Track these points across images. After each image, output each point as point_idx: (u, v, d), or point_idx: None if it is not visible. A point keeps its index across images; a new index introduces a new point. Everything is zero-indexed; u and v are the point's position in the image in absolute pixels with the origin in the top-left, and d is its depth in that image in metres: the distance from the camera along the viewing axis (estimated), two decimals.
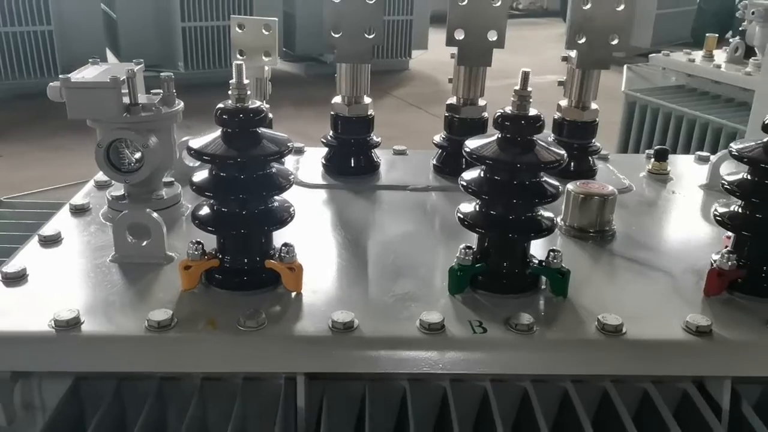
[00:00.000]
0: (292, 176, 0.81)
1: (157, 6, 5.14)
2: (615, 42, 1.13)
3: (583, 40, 1.14)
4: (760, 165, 0.80)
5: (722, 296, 0.82)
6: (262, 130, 0.79)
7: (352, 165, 1.21)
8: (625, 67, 3.11)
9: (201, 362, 0.74)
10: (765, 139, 0.81)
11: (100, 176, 1.11)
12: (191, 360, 0.74)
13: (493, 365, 0.74)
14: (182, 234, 0.97)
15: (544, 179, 0.79)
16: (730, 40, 2.78)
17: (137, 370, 0.75)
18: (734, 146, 0.82)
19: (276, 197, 0.81)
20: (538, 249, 0.85)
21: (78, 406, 0.76)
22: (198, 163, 0.87)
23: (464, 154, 0.80)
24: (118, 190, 1.03)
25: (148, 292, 0.81)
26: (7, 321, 0.74)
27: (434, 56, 5.72)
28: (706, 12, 6.87)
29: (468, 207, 0.83)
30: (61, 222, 0.99)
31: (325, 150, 1.24)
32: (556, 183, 0.80)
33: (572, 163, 1.20)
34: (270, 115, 1.20)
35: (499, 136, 0.79)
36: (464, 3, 1.10)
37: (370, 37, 1.12)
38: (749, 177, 0.81)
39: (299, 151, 1.32)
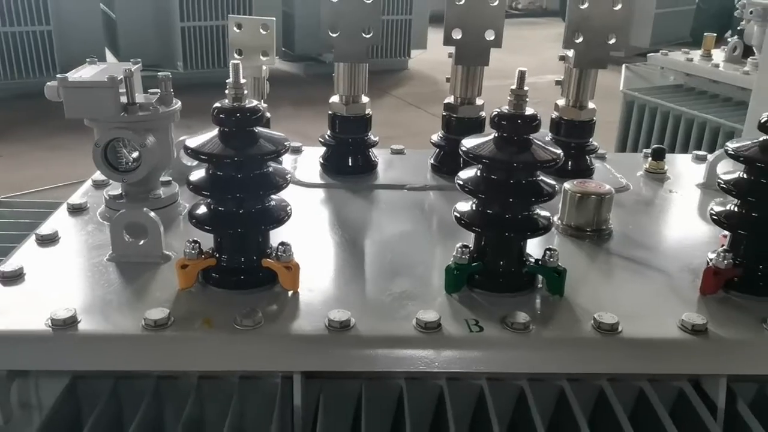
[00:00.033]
0: (289, 175, 0.81)
1: (156, 6, 5.14)
2: (612, 41, 1.13)
3: (580, 40, 1.14)
4: (756, 164, 0.80)
5: (718, 295, 0.82)
6: (259, 129, 0.79)
7: (350, 164, 1.21)
8: (623, 66, 3.11)
9: (197, 361, 0.75)
10: (761, 138, 0.81)
11: (98, 175, 1.12)
12: (188, 359, 0.74)
13: (490, 364, 0.75)
14: (180, 233, 0.97)
15: (540, 178, 0.80)
16: (729, 39, 2.79)
17: (134, 368, 0.75)
18: (730, 145, 0.83)
19: (273, 196, 0.82)
20: (535, 248, 0.85)
21: (75, 404, 0.76)
22: (196, 163, 0.87)
23: (461, 153, 0.80)
24: (115, 189, 1.03)
25: (145, 291, 0.81)
26: (4, 320, 0.75)
27: (433, 56, 5.72)
28: (705, 11, 6.88)
29: (465, 206, 0.83)
30: (59, 221, 0.99)
31: (322, 149, 1.24)
32: (552, 182, 0.80)
33: (570, 162, 1.20)
34: (268, 115, 1.21)
35: (496, 135, 0.79)
36: (461, 2, 1.10)
37: (368, 36, 1.12)
38: (745, 176, 0.82)
39: (297, 151, 1.32)
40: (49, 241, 0.92)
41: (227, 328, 0.73)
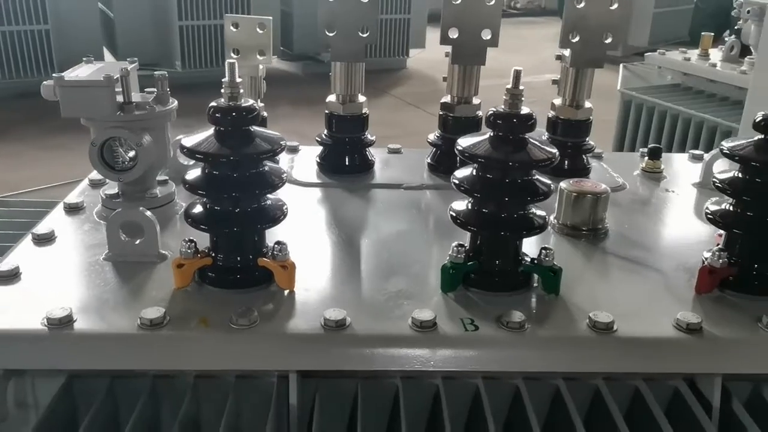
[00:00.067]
0: (285, 174, 0.81)
1: (154, 4, 5.14)
2: (609, 41, 1.13)
3: (576, 39, 1.14)
4: (751, 163, 0.80)
5: (713, 294, 0.83)
6: (255, 128, 0.79)
7: (347, 163, 1.21)
8: (621, 65, 3.12)
9: (193, 360, 0.75)
10: (756, 138, 0.81)
11: (95, 175, 1.12)
12: (184, 358, 0.74)
13: (485, 363, 0.75)
14: (176, 232, 0.97)
15: (536, 177, 0.80)
16: (726, 39, 2.79)
17: (130, 367, 0.75)
18: (725, 144, 0.83)
19: (269, 195, 0.82)
20: (531, 247, 0.85)
21: (71, 403, 0.76)
22: (192, 162, 0.87)
23: (456, 152, 0.80)
24: (112, 188, 1.03)
25: (142, 290, 0.81)
26: (0, 319, 0.74)
27: (432, 55, 5.73)
28: (703, 11, 6.88)
29: (460, 205, 0.83)
30: (55, 220, 0.99)
31: (319, 148, 1.24)
32: (548, 181, 0.80)
33: (566, 162, 1.21)
34: (265, 114, 1.21)
35: (492, 134, 0.80)
36: (458, 2, 1.11)
37: (365, 36, 1.12)
38: (740, 175, 0.82)
39: (294, 150, 1.32)
40: (45, 240, 0.92)
41: (223, 327, 0.74)
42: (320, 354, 0.74)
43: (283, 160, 1.27)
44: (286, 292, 0.81)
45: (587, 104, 1.20)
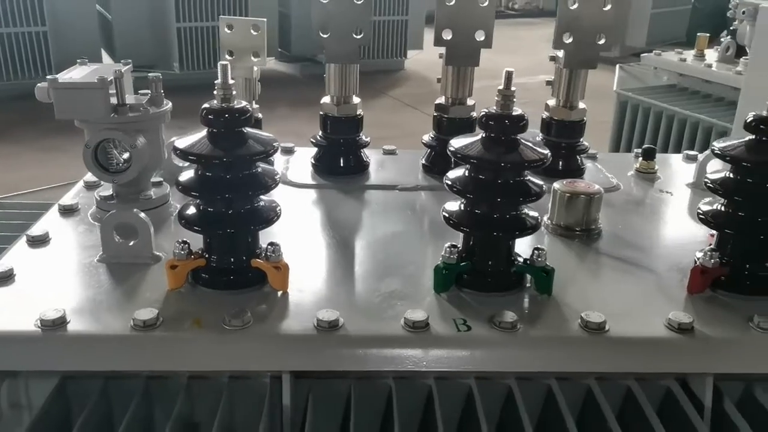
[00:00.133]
0: (278, 176, 0.82)
1: (152, 6, 5.14)
2: (602, 42, 1.14)
3: (570, 40, 1.14)
4: (742, 163, 0.80)
5: (705, 294, 0.83)
6: (248, 130, 0.79)
7: (342, 165, 1.21)
8: (617, 66, 3.12)
9: (186, 361, 0.75)
10: (747, 138, 0.82)
11: (90, 176, 1.12)
12: (177, 359, 0.75)
13: (477, 363, 0.75)
14: (170, 234, 0.97)
15: (528, 178, 0.80)
16: (722, 39, 2.80)
17: (123, 369, 0.76)
18: (717, 145, 0.83)
19: (262, 197, 0.82)
20: (524, 247, 0.85)
21: (64, 404, 0.76)
22: (187, 164, 0.87)
23: (449, 153, 0.81)
24: (106, 190, 1.03)
25: (135, 291, 0.81)
26: None
27: (430, 56, 5.71)
28: (701, 11, 6.90)
29: (453, 206, 0.83)
30: (50, 222, 1.00)
31: (314, 150, 1.24)
32: (540, 182, 0.81)
33: (560, 162, 1.21)
34: (260, 116, 1.21)
35: (484, 135, 0.80)
36: (452, 3, 1.11)
37: (358, 37, 1.12)
38: (731, 175, 0.82)
39: (289, 151, 1.32)
40: (39, 242, 0.92)
41: (216, 328, 0.74)
42: (313, 354, 0.74)
43: (279, 161, 1.27)
44: (280, 293, 0.81)
45: (581, 105, 1.20)
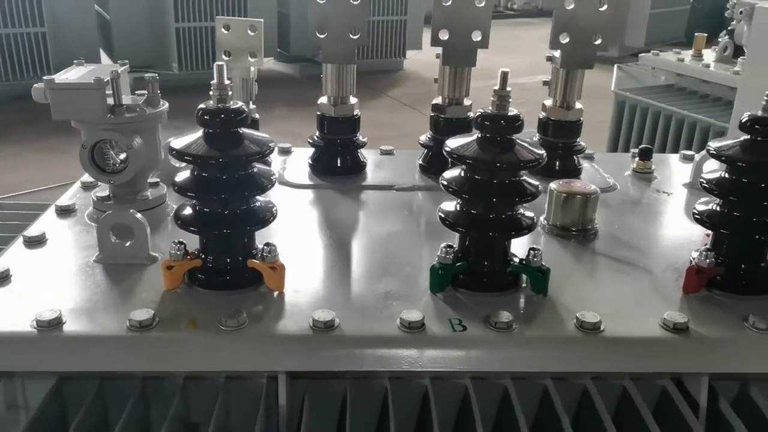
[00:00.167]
0: (274, 176, 0.82)
1: (150, 6, 5.14)
2: (598, 42, 1.14)
3: (566, 40, 1.14)
4: (738, 163, 0.80)
5: (701, 294, 0.83)
6: (244, 130, 0.79)
7: (339, 165, 1.22)
8: (615, 66, 3.12)
9: (182, 361, 0.75)
10: (742, 138, 0.82)
11: (87, 177, 1.12)
12: (173, 359, 0.75)
13: (473, 363, 0.75)
14: (167, 234, 0.97)
15: (523, 178, 0.80)
16: (719, 39, 2.80)
17: (119, 369, 0.76)
18: (712, 145, 0.83)
19: (258, 197, 0.82)
20: (521, 247, 0.86)
21: (61, 405, 0.76)
22: (184, 164, 0.87)
23: (445, 153, 0.81)
24: (103, 190, 1.03)
25: (132, 292, 0.81)
26: None
27: (429, 56, 5.72)
28: (699, 11, 6.90)
29: (449, 206, 0.83)
30: (47, 223, 1.00)
31: (311, 150, 1.24)
32: (535, 182, 0.81)
33: (557, 163, 1.21)
34: (256, 116, 1.21)
35: (479, 135, 0.80)
36: (448, 3, 1.11)
37: (355, 37, 1.12)
38: (727, 175, 0.82)
39: (286, 152, 1.32)
40: (36, 242, 0.93)
41: (212, 328, 0.74)
42: (309, 355, 0.74)
43: (276, 161, 1.27)
44: (276, 293, 0.81)
45: (578, 105, 1.20)
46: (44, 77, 0.92)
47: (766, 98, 0.80)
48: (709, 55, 2.83)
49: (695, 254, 0.83)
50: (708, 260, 0.81)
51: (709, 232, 0.87)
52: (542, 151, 0.79)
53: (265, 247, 0.80)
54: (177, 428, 0.74)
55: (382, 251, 0.94)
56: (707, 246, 0.85)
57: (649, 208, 1.13)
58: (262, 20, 1.16)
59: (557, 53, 1.18)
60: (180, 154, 0.77)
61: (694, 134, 2.52)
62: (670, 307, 0.79)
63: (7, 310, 0.77)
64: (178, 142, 0.78)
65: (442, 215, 0.82)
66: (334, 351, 0.74)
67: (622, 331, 0.75)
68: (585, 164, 1.26)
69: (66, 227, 0.99)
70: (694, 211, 0.86)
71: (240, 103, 0.79)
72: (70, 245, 0.93)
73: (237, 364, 0.75)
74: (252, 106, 1.20)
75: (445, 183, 0.81)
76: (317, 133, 1.21)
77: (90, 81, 0.92)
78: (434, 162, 1.22)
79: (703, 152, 1.19)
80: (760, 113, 0.80)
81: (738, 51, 2.71)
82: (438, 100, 1.21)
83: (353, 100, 1.19)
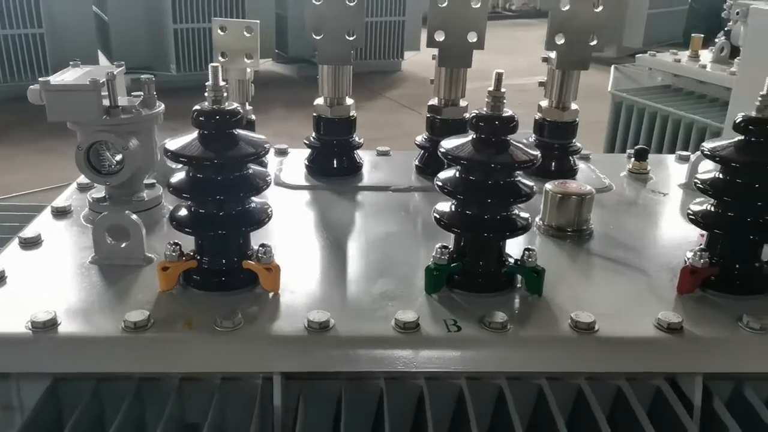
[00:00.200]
0: (269, 177, 0.82)
1: (148, 8, 5.14)
2: (594, 43, 1.14)
3: (562, 41, 1.15)
4: (731, 164, 0.81)
5: (695, 294, 0.83)
6: (239, 131, 0.79)
7: (335, 166, 1.22)
8: (612, 67, 3.13)
9: (178, 362, 0.75)
10: (736, 139, 0.82)
11: (83, 179, 1.12)
12: (168, 360, 0.75)
13: (468, 363, 0.75)
14: (163, 235, 0.97)
15: (518, 179, 0.80)
16: (716, 40, 2.81)
17: (114, 370, 0.76)
18: (706, 145, 0.83)
19: (254, 198, 0.82)
20: (517, 248, 0.86)
21: (56, 406, 0.76)
22: (180, 165, 0.87)
23: (439, 154, 0.81)
24: (99, 192, 1.03)
25: (127, 293, 0.81)
26: None
27: (427, 57, 5.72)
28: (697, 12, 6.91)
29: (444, 207, 0.84)
30: (43, 224, 1.00)
31: (308, 151, 1.24)
32: (530, 183, 0.81)
33: (553, 163, 1.21)
34: (252, 117, 1.21)
35: (474, 136, 0.80)
36: (444, 5, 1.11)
37: (351, 39, 1.13)
38: (721, 176, 0.83)
39: (282, 153, 1.32)
40: (32, 244, 0.93)
41: (207, 329, 0.74)
42: (304, 356, 0.74)
43: (272, 162, 1.27)
44: (271, 294, 0.81)
45: (573, 106, 1.21)
46: (40, 79, 0.92)
47: (760, 99, 0.80)
48: (706, 55, 2.84)
49: (689, 254, 0.83)
50: (702, 260, 0.81)
51: (704, 232, 0.87)
52: (537, 152, 0.80)
53: (261, 248, 0.80)
54: (172, 429, 0.74)
55: (378, 252, 0.94)
56: (702, 246, 0.85)
57: (644, 208, 1.14)
58: (258, 22, 1.16)
59: (553, 54, 1.18)
60: (175, 156, 0.77)
61: (691, 135, 2.52)
62: (664, 307, 0.79)
63: (2, 311, 0.77)
64: (173, 144, 0.78)
65: (437, 216, 0.83)
66: (329, 352, 0.74)
67: (616, 331, 0.76)
68: (581, 165, 1.27)
69: (62, 228, 0.99)
70: (689, 211, 0.86)
71: (235, 105, 0.79)
72: (65, 246, 0.93)
73: (232, 365, 0.75)
74: (248, 107, 1.20)
75: (440, 184, 0.81)
76: (313, 134, 1.22)
77: (85, 82, 0.92)
78: (430, 163, 1.22)
79: (698, 153, 1.19)
80: (753, 114, 0.80)
81: (735, 52, 2.71)
82: (434, 101, 1.21)
83: (349, 101, 1.19)
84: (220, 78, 0.78)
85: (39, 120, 0.95)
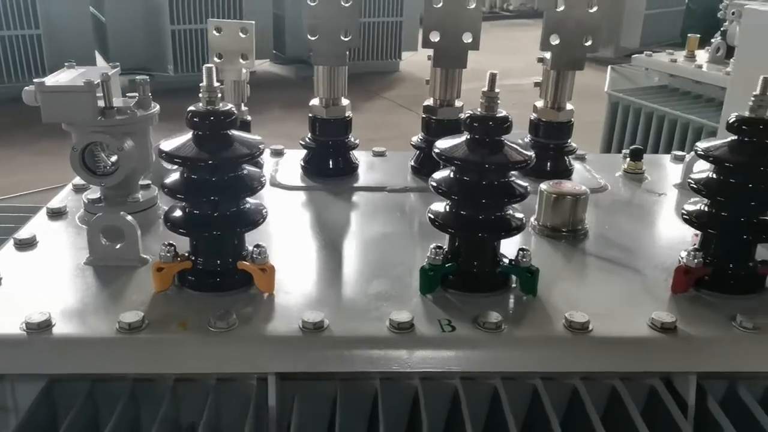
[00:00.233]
0: (264, 178, 0.82)
1: (146, 8, 5.14)
2: (588, 43, 1.14)
3: (557, 42, 1.15)
4: (725, 164, 0.81)
5: (689, 293, 0.83)
6: (234, 132, 0.79)
7: (331, 166, 1.22)
8: (609, 67, 3.14)
9: (172, 363, 0.75)
10: (730, 139, 0.82)
11: (78, 180, 1.12)
12: (163, 361, 0.75)
13: (462, 363, 0.75)
14: (158, 236, 0.97)
15: (512, 179, 0.80)
16: (712, 40, 2.81)
17: (109, 371, 0.76)
18: (700, 146, 0.84)
19: (249, 199, 0.82)
20: (511, 248, 0.86)
21: (51, 407, 0.76)
22: (175, 166, 0.87)
23: (434, 154, 0.81)
24: (94, 193, 1.03)
25: (122, 294, 0.81)
26: None
27: (424, 58, 5.73)
28: (694, 12, 6.92)
29: (439, 207, 0.84)
30: (38, 226, 1.00)
31: (304, 152, 1.24)
32: (524, 183, 0.81)
33: (548, 163, 1.22)
34: (248, 118, 1.21)
35: (468, 136, 0.80)
36: (439, 5, 1.11)
37: (346, 39, 1.13)
38: (714, 176, 0.83)
39: (278, 153, 1.33)
40: (26, 245, 0.93)
41: (202, 330, 0.74)
42: (298, 356, 0.74)
43: (268, 163, 1.27)
44: (266, 295, 0.81)
45: (569, 106, 1.21)
46: (35, 80, 0.92)
47: (753, 99, 0.80)
48: (702, 56, 2.85)
49: (683, 254, 0.84)
50: (696, 260, 0.82)
51: (698, 232, 0.87)
52: (531, 152, 0.80)
53: (255, 249, 0.80)
54: (167, 430, 0.74)
55: (373, 252, 0.94)
56: (695, 246, 0.85)
57: (639, 208, 1.14)
58: (253, 23, 1.17)
59: (548, 55, 1.18)
60: (169, 157, 0.77)
61: (687, 135, 2.53)
62: (658, 306, 0.79)
63: None
64: (168, 145, 0.78)
65: (432, 216, 0.83)
66: (323, 352, 0.74)
67: (610, 331, 0.76)
68: (576, 165, 1.27)
69: (57, 230, 0.99)
70: (683, 211, 0.86)
71: (229, 105, 0.79)
72: (60, 248, 0.93)
73: (227, 366, 0.75)
74: (244, 108, 1.20)
75: (435, 184, 0.81)
76: (309, 135, 1.22)
77: (80, 84, 0.92)
78: (426, 163, 1.22)
79: (693, 153, 1.20)
80: (747, 114, 0.81)
81: (731, 52, 2.72)
82: (429, 101, 1.21)
83: (345, 101, 1.19)
84: (215, 79, 0.78)
85: (36, 121, 0.95)
